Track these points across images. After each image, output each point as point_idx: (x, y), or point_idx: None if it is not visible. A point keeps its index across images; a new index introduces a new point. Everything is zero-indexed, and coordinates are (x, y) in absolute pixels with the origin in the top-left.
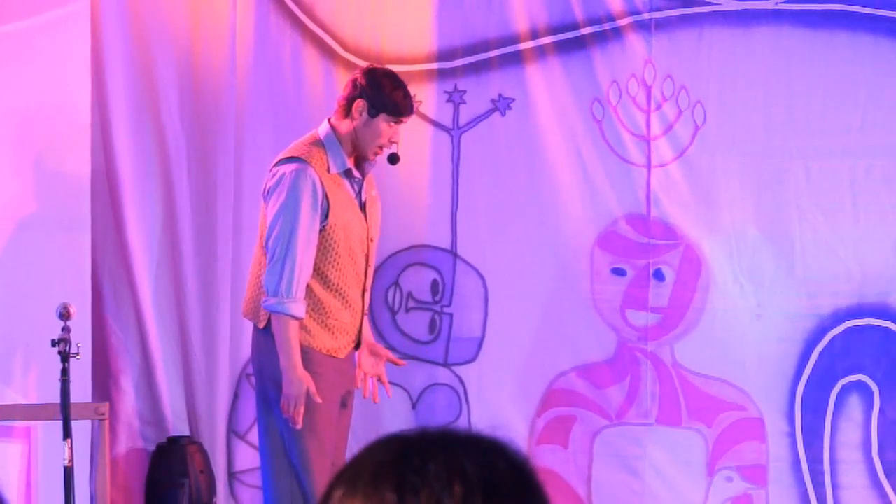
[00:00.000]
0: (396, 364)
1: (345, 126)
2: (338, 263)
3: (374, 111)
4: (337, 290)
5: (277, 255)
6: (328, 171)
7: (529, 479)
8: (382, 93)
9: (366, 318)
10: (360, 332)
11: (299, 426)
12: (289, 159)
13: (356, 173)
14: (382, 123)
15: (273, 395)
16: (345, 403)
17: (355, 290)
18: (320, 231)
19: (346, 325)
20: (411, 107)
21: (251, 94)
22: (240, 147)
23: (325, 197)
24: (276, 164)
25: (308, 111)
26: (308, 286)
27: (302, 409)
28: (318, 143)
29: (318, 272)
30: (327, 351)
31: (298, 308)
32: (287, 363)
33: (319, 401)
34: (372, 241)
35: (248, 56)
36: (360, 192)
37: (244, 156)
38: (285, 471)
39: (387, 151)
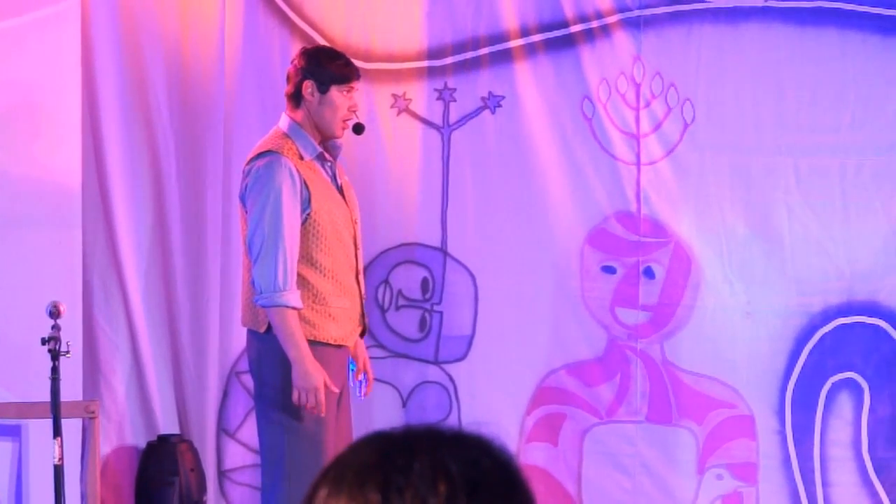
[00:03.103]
0: (368, 377)
1: (300, 115)
2: (328, 249)
3: (323, 87)
4: (332, 276)
5: (266, 248)
6: (301, 158)
7: (514, 477)
8: (323, 66)
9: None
10: (363, 316)
11: (324, 413)
12: (260, 155)
13: (327, 157)
14: (336, 95)
15: (274, 399)
16: (339, 402)
17: (349, 275)
18: (306, 218)
19: (347, 310)
20: (356, 71)
21: (240, 91)
22: (229, 144)
23: (304, 184)
24: (248, 163)
25: None
26: (303, 276)
27: (323, 398)
28: (284, 135)
29: (311, 260)
30: (335, 340)
31: (296, 298)
32: (296, 355)
33: (336, 390)
34: (356, 223)
35: (237, 54)
36: (334, 176)
37: (233, 153)
38: (285, 476)
39: (351, 123)
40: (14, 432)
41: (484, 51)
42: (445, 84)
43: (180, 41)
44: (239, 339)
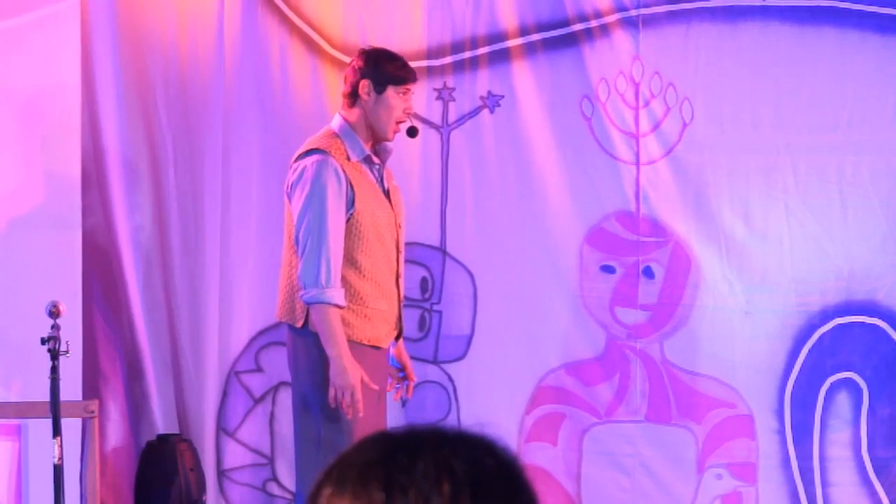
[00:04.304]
0: (410, 380)
1: (355, 114)
2: (369, 250)
3: (380, 87)
4: (371, 278)
5: (311, 246)
6: (348, 159)
7: (518, 477)
8: (381, 67)
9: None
10: (399, 319)
11: (361, 413)
12: (308, 152)
13: (375, 160)
14: (392, 95)
15: (311, 395)
16: (379, 399)
17: (389, 277)
18: (348, 219)
19: (384, 312)
20: (413, 73)
21: (238, 90)
22: (227, 143)
23: (349, 185)
24: (295, 160)
25: (295, 108)
26: (343, 276)
27: (360, 397)
28: (335, 135)
29: (351, 261)
30: (369, 341)
31: (339, 295)
32: (335, 352)
33: (375, 387)
34: (400, 227)
35: (236, 53)
36: (381, 179)
37: (231, 153)
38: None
39: (405, 126)
40: (14, 432)
41: (483, 50)
42: (444, 83)
43: (179, 40)
44: (238, 338)
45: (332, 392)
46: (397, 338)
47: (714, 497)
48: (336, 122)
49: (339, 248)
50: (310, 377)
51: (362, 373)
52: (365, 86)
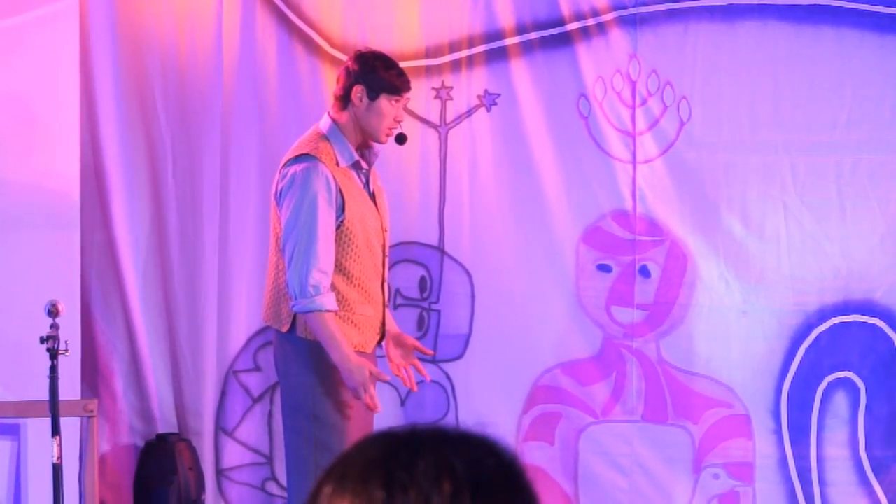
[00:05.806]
0: (425, 353)
1: (345, 117)
2: (358, 257)
3: (373, 94)
4: (359, 285)
5: (298, 255)
6: (337, 165)
7: (518, 477)
8: (377, 74)
9: (388, 309)
10: (383, 324)
11: (380, 409)
12: (297, 158)
13: (363, 164)
14: (384, 104)
15: (304, 399)
16: None
17: (375, 283)
18: (338, 226)
19: (369, 318)
20: (408, 83)
21: (237, 90)
22: (226, 143)
23: (339, 191)
24: (285, 165)
25: (295, 108)
26: (331, 283)
27: (374, 391)
28: (323, 137)
29: (340, 267)
30: (356, 347)
31: (330, 301)
32: (339, 355)
33: (387, 377)
34: (386, 230)
35: (235, 52)
36: (367, 183)
37: (231, 153)
38: (312, 475)
39: (395, 132)
40: (13, 431)
41: (480, 49)
42: (442, 83)
43: (178, 39)
44: (237, 338)
45: (352, 394)
46: (379, 342)
47: (711, 497)
48: (324, 123)
49: (330, 255)
50: (302, 381)
51: (370, 366)
52: (358, 91)
